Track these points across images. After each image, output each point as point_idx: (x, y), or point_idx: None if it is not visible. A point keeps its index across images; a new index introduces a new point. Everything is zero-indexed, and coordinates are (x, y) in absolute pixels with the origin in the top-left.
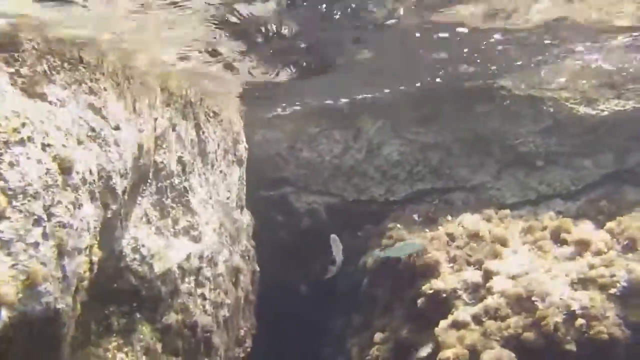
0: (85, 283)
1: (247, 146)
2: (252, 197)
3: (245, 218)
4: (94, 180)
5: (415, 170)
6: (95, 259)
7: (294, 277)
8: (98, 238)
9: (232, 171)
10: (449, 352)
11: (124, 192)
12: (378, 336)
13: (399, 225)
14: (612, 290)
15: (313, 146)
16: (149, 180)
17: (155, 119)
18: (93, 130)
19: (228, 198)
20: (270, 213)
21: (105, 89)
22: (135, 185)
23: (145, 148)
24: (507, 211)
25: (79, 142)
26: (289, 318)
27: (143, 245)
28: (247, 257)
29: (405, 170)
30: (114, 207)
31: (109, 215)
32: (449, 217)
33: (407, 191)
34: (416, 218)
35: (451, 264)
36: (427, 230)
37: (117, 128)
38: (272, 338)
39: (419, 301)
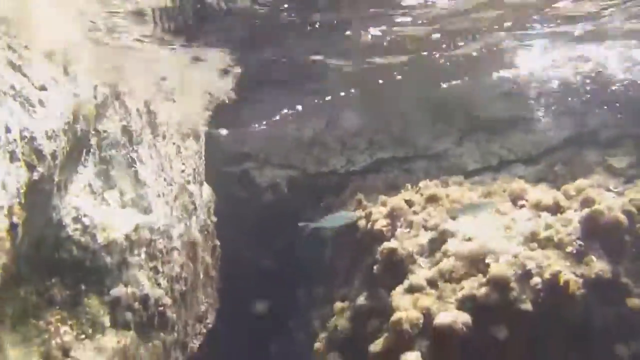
0: (7, 244)
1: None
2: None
3: (205, 193)
4: (13, 140)
5: (375, 139)
6: (16, 220)
7: (257, 252)
8: (22, 200)
9: (187, 144)
10: (400, 315)
11: (53, 155)
12: (337, 306)
13: (360, 195)
14: (569, 249)
15: None
16: (91, 150)
17: (95, 85)
18: (12, 88)
19: (183, 171)
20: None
21: (26, 47)
22: (74, 152)
23: (81, 113)
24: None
25: None
26: (252, 293)
27: (85, 215)
28: (206, 232)
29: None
30: (41, 169)
31: (35, 178)
32: (409, 186)
33: (367, 161)
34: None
35: (408, 229)
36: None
37: (42, 88)
38: (235, 313)
39: (375, 267)
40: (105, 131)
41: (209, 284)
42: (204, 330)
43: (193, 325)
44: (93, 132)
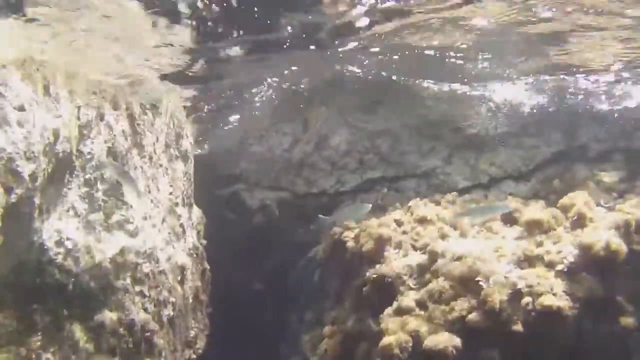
0: None
1: (192, 141)
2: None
3: (195, 215)
4: None
5: (365, 159)
6: None
7: (248, 275)
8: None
9: (175, 166)
10: (390, 339)
11: (33, 177)
12: (327, 330)
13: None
14: (560, 267)
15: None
16: (75, 172)
17: (79, 107)
18: None
19: (171, 194)
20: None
21: (3, 66)
22: (56, 173)
23: (63, 134)
24: (454, 195)
25: None
26: (243, 317)
27: (68, 238)
28: (195, 255)
29: (355, 159)
30: (19, 191)
31: (13, 200)
32: (398, 205)
33: (357, 181)
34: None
35: (397, 250)
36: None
37: (21, 109)
38: (226, 338)
39: (365, 289)
40: (89, 152)
41: (199, 309)
42: (194, 356)
43: (182, 351)
44: (76, 154)
